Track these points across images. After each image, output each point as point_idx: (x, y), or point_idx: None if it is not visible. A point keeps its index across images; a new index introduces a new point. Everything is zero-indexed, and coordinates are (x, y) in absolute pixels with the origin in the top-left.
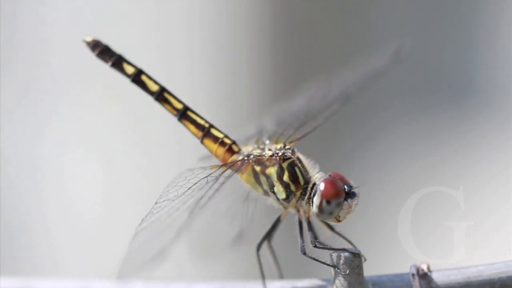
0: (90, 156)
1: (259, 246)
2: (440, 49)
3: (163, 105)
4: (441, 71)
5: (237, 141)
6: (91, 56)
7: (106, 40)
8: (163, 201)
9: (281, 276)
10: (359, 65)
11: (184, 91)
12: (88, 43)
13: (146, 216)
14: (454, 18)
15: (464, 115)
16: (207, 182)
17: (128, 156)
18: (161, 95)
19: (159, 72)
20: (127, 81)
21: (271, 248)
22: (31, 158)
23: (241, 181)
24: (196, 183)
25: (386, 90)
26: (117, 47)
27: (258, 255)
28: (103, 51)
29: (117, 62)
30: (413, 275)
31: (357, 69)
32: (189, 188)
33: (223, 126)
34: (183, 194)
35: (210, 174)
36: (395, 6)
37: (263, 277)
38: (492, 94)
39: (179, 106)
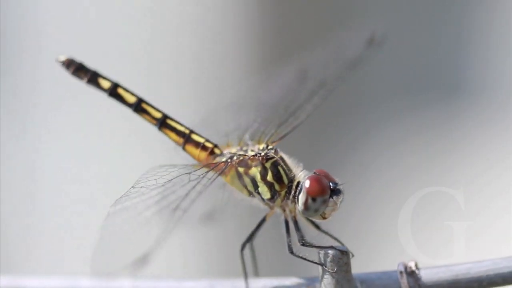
0: (83, 154)
1: (243, 246)
2: (432, 46)
3: (142, 116)
4: (433, 68)
5: (216, 132)
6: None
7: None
8: (141, 187)
9: (257, 275)
10: (333, 51)
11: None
12: (63, 63)
13: (121, 197)
14: (446, 16)
15: (456, 111)
16: (189, 180)
17: (122, 153)
18: (139, 106)
19: (146, 59)
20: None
21: (252, 247)
22: (24, 158)
23: (226, 183)
24: (177, 176)
25: (378, 89)
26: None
27: (242, 254)
28: (77, 69)
29: (93, 78)
30: (401, 272)
31: (331, 56)
32: (170, 181)
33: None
34: (162, 185)
35: (192, 171)
36: (386, 3)
37: (246, 276)
38: (484, 90)
39: (158, 115)
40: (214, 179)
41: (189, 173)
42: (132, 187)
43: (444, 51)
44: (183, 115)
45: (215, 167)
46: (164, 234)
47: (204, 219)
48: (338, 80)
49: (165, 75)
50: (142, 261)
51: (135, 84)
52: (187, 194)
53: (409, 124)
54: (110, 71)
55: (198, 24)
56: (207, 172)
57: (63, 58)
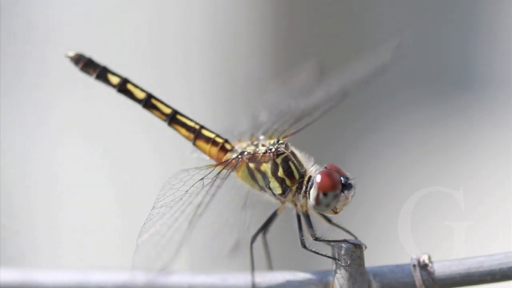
0: (90, 148)
1: (253, 239)
2: (440, 41)
3: (151, 111)
4: (441, 62)
5: (231, 135)
6: (89, 51)
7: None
8: (161, 206)
9: (270, 269)
10: (360, 61)
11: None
12: (71, 58)
13: (145, 224)
14: (453, 9)
15: (464, 104)
16: (203, 185)
17: (130, 147)
18: (149, 102)
19: (156, 56)
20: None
21: (265, 241)
22: (30, 151)
23: (238, 179)
24: (192, 185)
25: (385, 82)
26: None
27: (251, 248)
28: (86, 64)
29: (101, 73)
30: (414, 266)
31: (357, 65)
32: (186, 192)
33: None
34: (180, 199)
35: (206, 176)
36: None
37: (253, 268)
38: (492, 83)
39: (167, 111)
40: (226, 177)
41: (203, 178)
42: (153, 207)
43: (452, 44)
44: (192, 111)
45: (226, 165)
46: (182, 242)
47: (233, 252)
48: (359, 87)
49: (174, 70)
50: (162, 271)
51: (143, 80)
52: (201, 202)
53: (418, 116)
54: (117, 66)
55: (209, 17)
56: (219, 172)
57: (72, 53)
